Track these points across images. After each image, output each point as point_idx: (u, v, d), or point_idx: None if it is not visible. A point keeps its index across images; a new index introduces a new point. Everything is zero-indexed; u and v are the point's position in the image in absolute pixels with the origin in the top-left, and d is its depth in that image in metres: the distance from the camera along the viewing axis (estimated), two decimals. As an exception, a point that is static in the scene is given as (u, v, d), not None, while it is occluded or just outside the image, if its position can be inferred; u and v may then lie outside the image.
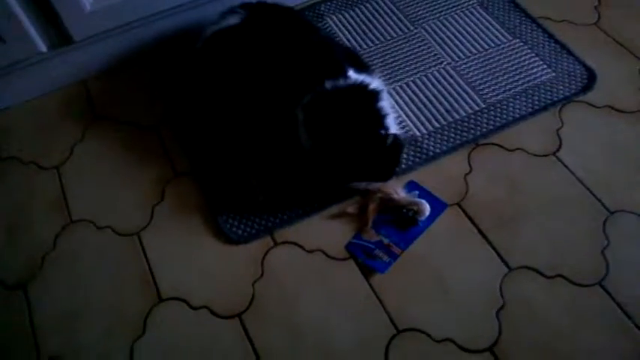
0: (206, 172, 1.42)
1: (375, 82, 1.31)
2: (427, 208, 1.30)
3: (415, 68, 1.58)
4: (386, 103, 1.29)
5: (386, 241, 1.28)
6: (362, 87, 1.28)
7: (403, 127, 1.46)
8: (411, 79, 1.55)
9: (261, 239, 1.32)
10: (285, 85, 1.34)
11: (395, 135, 1.24)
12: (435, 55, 1.60)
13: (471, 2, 1.71)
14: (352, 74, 1.30)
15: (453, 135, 1.44)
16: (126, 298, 1.26)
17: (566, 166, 1.38)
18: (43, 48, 1.47)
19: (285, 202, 1.35)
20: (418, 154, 1.41)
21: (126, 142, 1.50)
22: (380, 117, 1.26)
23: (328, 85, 1.26)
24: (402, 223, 1.30)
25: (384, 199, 1.32)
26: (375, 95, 1.28)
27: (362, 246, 1.28)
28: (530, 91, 1.51)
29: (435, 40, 1.63)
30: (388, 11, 1.71)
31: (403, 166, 1.39)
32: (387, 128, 1.25)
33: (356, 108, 1.25)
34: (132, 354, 1.19)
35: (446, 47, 1.61)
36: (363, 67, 1.38)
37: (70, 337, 1.22)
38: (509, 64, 1.57)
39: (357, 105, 1.25)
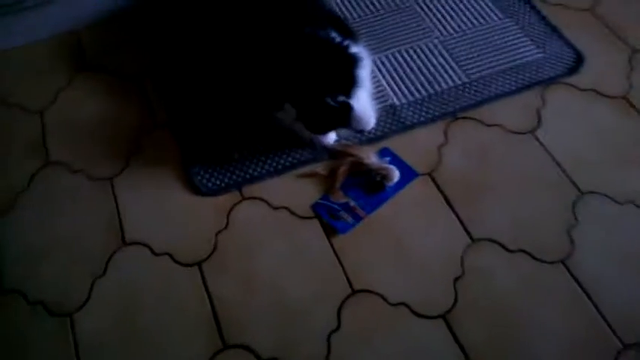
0: (183, 125, 1.44)
1: (357, 49, 1.31)
2: (396, 174, 1.30)
3: (402, 40, 1.57)
4: (363, 72, 1.28)
5: (352, 203, 1.29)
6: (342, 48, 1.27)
7: (382, 96, 1.45)
8: (397, 49, 1.55)
9: (230, 193, 1.33)
10: (263, 34, 1.32)
11: (347, 103, 1.23)
12: (424, 28, 1.59)
13: (467, -20, 1.70)
14: (335, 36, 1.30)
15: (432, 107, 1.43)
16: (91, 240, 1.28)
17: (542, 145, 1.37)
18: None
19: (257, 158, 1.36)
20: (395, 123, 1.41)
21: (110, 91, 1.52)
22: (352, 82, 1.24)
23: (307, 30, 1.25)
24: (370, 187, 1.31)
25: (355, 163, 1.33)
26: (354, 61, 1.27)
27: (327, 206, 1.29)
28: (516, 70, 1.50)
29: (427, 14, 1.63)
30: (382, -17, 1.71)
31: (378, 132, 1.40)
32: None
33: (327, 59, 1.24)
34: (90, 292, 1.21)
35: (436, 21, 1.61)
36: (348, 34, 1.37)
37: (33, 272, 1.24)
38: (498, 42, 1.56)
39: (328, 58, 1.24)
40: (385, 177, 1.30)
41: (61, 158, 1.41)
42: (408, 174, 1.33)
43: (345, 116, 1.25)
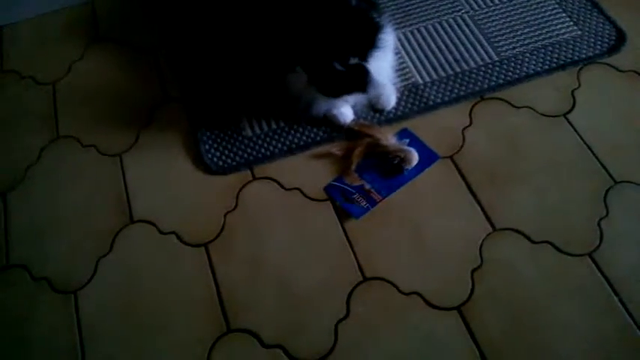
0: (195, 100, 1.39)
1: (380, 20, 1.23)
2: (415, 157, 1.23)
3: (429, 14, 1.49)
4: (385, 39, 1.20)
5: (367, 186, 1.22)
6: (362, 10, 1.19)
7: (404, 74, 1.38)
8: (424, 24, 1.46)
9: (241, 172, 1.28)
10: (279, 13, 1.26)
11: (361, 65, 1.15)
12: (453, 2, 1.50)
13: (502, -50, 1.59)
14: (357, 3, 1.21)
15: (457, 86, 1.35)
16: (99, 216, 1.25)
17: (575, 129, 1.28)
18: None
19: (270, 136, 1.31)
20: (417, 103, 1.33)
21: (124, 63, 1.48)
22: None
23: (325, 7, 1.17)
24: (387, 170, 1.24)
25: (372, 144, 1.26)
26: (375, 25, 1.18)
27: (341, 189, 1.23)
28: (550, 48, 1.40)
29: (456, -14, 1.53)
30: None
31: (399, 112, 1.32)
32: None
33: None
34: (96, 270, 1.18)
35: (466, -6, 1.52)
36: (370, 4, 1.29)
37: (40, 247, 1.22)
38: (532, 18, 1.46)
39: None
40: (403, 159, 1.23)
41: (72, 132, 1.38)
42: (429, 157, 1.26)
43: (359, 80, 1.16)
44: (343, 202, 1.21)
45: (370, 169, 1.25)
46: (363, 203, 1.20)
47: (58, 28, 1.58)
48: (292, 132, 1.31)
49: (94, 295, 1.15)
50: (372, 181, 1.23)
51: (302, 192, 1.24)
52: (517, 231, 1.16)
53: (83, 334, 1.11)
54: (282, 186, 1.25)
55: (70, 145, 1.35)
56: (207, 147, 1.30)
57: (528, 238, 1.15)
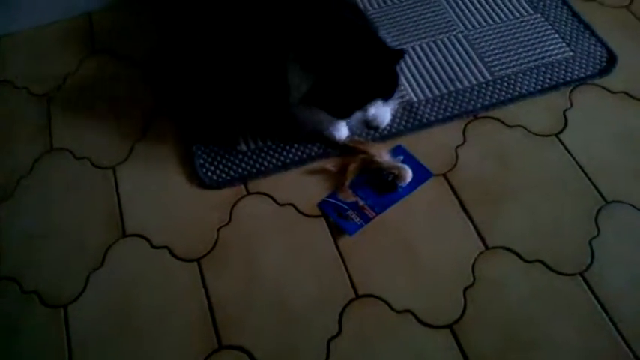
0: (189, 114, 1.40)
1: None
2: (409, 175, 1.24)
3: (424, 33, 1.50)
4: None
5: (361, 203, 1.23)
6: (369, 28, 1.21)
7: (399, 92, 1.39)
8: (418, 43, 1.48)
9: (234, 187, 1.28)
10: (275, 27, 1.26)
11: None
12: (449, 21, 1.52)
13: (496, -28, 1.62)
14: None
15: (451, 104, 1.36)
16: (91, 230, 1.24)
17: (567, 149, 1.30)
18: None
19: (264, 152, 1.31)
20: (411, 120, 1.34)
21: (119, 77, 1.49)
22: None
23: (325, 20, 1.18)
24: (381, 187, 1.25)
25: (366, 160, 1.27)
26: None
27: (335, 205, 1.23)
28: (543, 69, 1.42)
29: (451, 6, 1.55)
30: (406, -27, 1.63)
31: (393, 130, 1.33)
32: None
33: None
34: (86, 284, 1.17)
35: (461, 14, 1.53)
36: (366, 22, 1.32)
37: (30, 260, 1.21)
38: (525, 39, 1.48)
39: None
40: (397, 177, 1.24)
41: (66, 144, 1.38)
42: (422, 174, 1.26)
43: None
44: (337, 219, 1.21)
45: (364, 186, 1.25)
46: (357, 220, 1.21)
47: (54, 40, 1.59)
48: (287, 148, 1.31)
49: (84, 310, 1.14)
50: (365, 197, 1.24)
51: (296, 208, 1.24)
52: (509, 249, 1.17)
53: (73, 349, 1.10)
54: (275, 201, 1.25)
55: (64, 157, 1.35)
56: (201, 161, 1.30)
57: (520, 257, 1.16)
